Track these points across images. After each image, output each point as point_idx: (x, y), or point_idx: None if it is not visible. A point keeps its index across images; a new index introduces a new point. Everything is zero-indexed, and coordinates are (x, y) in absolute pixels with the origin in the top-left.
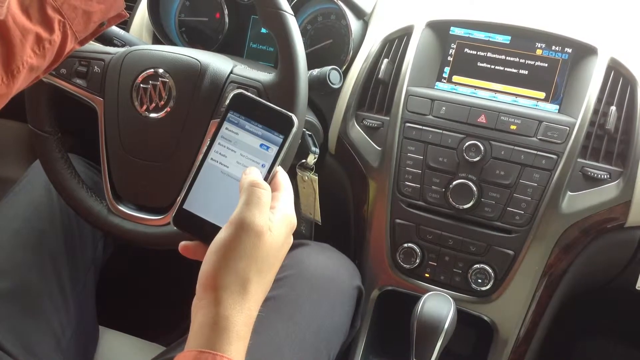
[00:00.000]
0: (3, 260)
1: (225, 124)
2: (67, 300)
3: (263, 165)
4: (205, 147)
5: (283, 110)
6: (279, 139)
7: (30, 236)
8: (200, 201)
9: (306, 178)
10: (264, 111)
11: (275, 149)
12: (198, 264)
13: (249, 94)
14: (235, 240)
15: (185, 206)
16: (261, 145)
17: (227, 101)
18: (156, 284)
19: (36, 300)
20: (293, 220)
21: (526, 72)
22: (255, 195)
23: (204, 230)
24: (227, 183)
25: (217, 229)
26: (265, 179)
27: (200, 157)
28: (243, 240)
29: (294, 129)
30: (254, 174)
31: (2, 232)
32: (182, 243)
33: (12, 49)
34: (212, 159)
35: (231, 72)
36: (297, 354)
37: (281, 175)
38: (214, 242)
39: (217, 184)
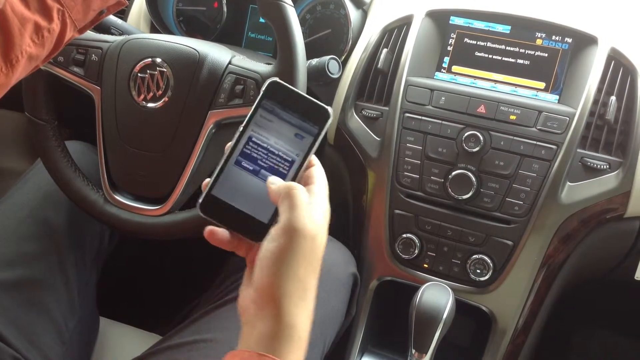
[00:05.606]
0: (8, 250)
1: (260, 111)
2: (71, 292)
3: (298, 155)
4: (238, 133)
5: (319, 102)
6: (314, 129)
7: (36, 226)
8: (229, 188)
9: None
10: (299, 101)
11: (310, 139)
12: (198, 256)
13: (284, 82)
14: (293, 247)
15: (214, 192)
16: (296, 134)
17: (263, 88)
18: (154, 275)
19: (39, 292)
20: (328, 214)
21: (526, 62)
22: (297, 198)
23: (231, 217)
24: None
25: (244, 215)
26: (299, 168)
27: (231, 142)
28: (302, 246)
29: (330, 121)
30: (281, 181)
31: (8, 221)
32: (208, 228)
33: (11, 38)
34: (243, 145)
35: (229, 63)
36: None
37: (317, 167)
38: (267, 251)
39: (247, 171)
